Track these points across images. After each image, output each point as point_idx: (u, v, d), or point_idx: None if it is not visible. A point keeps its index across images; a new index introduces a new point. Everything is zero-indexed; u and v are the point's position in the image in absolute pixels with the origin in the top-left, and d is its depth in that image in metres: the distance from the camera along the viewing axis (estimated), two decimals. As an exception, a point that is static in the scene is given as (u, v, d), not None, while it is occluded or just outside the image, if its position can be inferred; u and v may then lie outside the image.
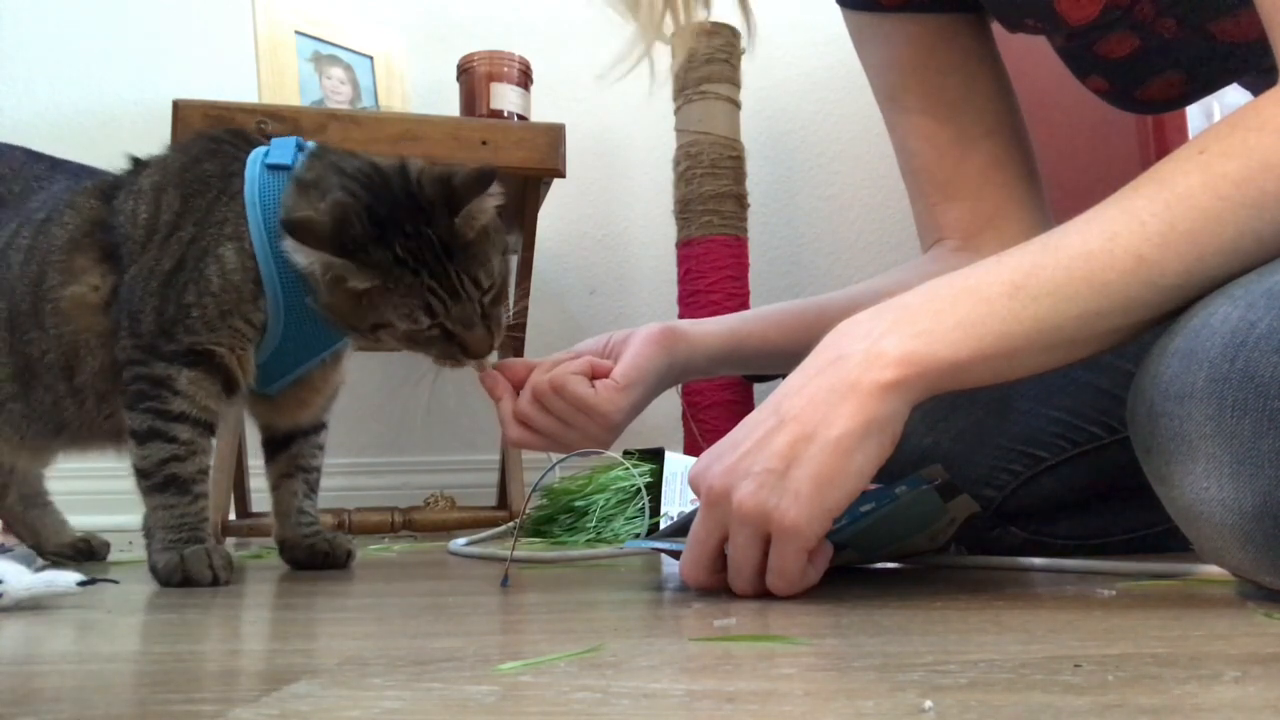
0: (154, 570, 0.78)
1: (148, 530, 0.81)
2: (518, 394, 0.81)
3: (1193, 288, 0.53)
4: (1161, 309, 0.54)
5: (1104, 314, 0.53)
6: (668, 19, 0.77)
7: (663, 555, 0.67)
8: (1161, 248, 0.52)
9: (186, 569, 0.76)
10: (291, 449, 0.92)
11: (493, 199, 0.79)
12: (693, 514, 0.67)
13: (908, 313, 0.56)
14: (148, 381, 0.79)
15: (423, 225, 0.76)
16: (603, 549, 0.98)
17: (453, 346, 0.79)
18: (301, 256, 0.75)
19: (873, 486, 0.59)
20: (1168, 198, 0.52)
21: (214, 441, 0.83)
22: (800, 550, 0.54)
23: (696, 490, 0.59)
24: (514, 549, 0.84)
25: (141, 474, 0.80)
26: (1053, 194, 0.91)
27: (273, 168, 0.83)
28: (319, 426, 0.94)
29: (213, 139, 0.90)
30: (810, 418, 0.54)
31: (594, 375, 0.80)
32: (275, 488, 0.93)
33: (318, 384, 0.91)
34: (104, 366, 0.84)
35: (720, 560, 0.58)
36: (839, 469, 0.53)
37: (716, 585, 0.59)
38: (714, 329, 0.85)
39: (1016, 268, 0.54)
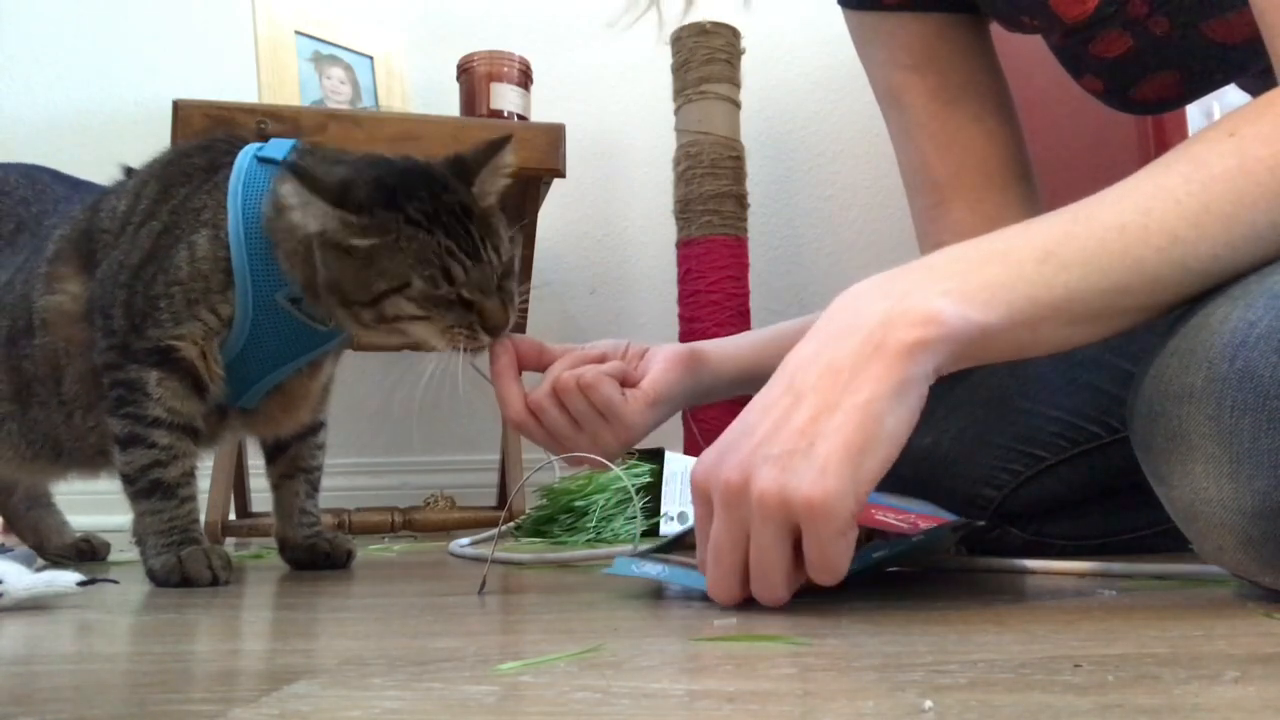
0: (151, 574, 0.78)
1: (139, 538, 0.80)
2: (519, 373, 0.78)
3: (1218, 274, 0.52)
4: (1183, 293, 0.53)
5: (1131, 291, 0.52)
6: None
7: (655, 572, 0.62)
8: (1196, 228, 0.51)
9: (185, 570, 0.76)
10: (290, 451, 0.92)
11: (505, 168, 0.79)
12: (687, 531, 0.65)
13: (932, 273, 0.52)
14: (124, 387, 0.79)
15: (439, 191, 0.75)
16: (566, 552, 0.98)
17: (469, 316, 0.75)
18: (299, 213, 0.73)
19: (899, 522, 0.58)
20: (1204, 178, 0.51)
21: (196, 445, 0.82)
22: (837, 533, 0.48)
23: (704, 493, 0.52)
24: (492, 554, 0.83)
25: (127, 480, 0.80)
26: (1052, 194, 0.91)
27: (263, 160, 0.82)
28: (316, 427, 0.93)
29: (208, 139, 0.90)
30: (831, 387, 0.49)
31: (623, 383, 0.77)
32: (276, 487, 0.93)
33: (298, 391, 0.88)
34: (83, 375, 0.84)
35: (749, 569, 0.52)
36: (871, 435, 0.48)
37: (747, 596, 0.52)
38: (736, 353, 0.83)
39: (1048, 235, 0.52)
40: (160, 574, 0.76)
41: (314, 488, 0.93)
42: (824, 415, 0.49)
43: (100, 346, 0.80)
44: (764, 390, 0.53)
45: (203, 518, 1.37)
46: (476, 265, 0.74)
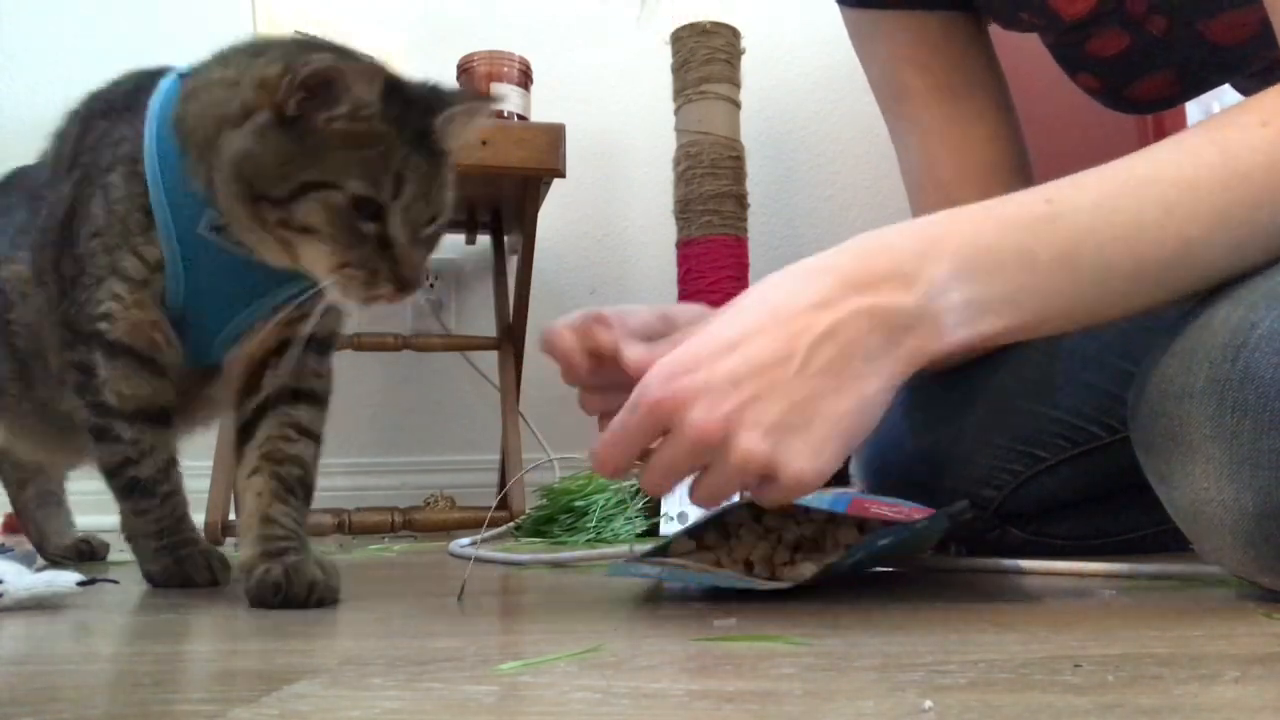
0: (149, 577, 0.76)
1: (128, 535, 0.77)
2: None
3: (1221, 279, 0.52)
4: (1184, 294, 0.53)
5: (1136, 294, 0.52)
6: None
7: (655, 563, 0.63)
8: (1210, 231, 0.50)
9: (184, 573, 0.75)
10: (258, 434, 0.72)
11: (475, 123, 0.68)
12: (697, 524, 0.66)
13: (962, 264, 0.51)
14: (78, 369, 0.72)
15: (425, 104, 0.64)
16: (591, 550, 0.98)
17: (378, 261, 0.62)
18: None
19: (894, 514, 0.59)
20: (1227, 177, 0.50)
21: (167, 430, 0.74)
22: (801, 495, 0.52)
23: (665, 415, 0.50)
24: (473, 560, 0.82)
25: (107, 473, 0.75)
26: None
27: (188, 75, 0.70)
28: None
29: (145, 69, 0.77)
30: (844, 371, 0.50)
31: None
32: (241, 492, 0.73)
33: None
34: (57, 344, 0.76)
35: None
36: (864, 426, 0.51)
37: (620, 475, 0.53)
38: None
39: (1071, 231, 0.52)
40: (159, 577, 0.75)
41: (286, 487, 0.70)
42: (829, 397, 0.50)
43: (51, 321, 0.74)
44: (749, 313, 0.53)
45: (202, 518, 1.37)
46: (421, 200, 0.64)
